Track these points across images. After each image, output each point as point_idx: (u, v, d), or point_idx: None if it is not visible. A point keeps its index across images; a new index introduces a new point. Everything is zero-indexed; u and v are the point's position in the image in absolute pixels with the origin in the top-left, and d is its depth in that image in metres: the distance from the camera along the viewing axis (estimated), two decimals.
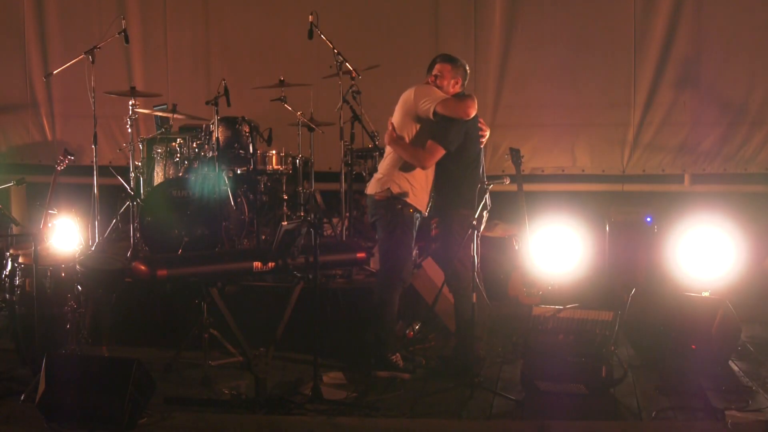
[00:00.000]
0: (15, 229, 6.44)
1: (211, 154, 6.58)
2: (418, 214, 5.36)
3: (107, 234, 7.21)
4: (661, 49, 7.82)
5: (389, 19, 8.21)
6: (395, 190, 5.28)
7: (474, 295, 5.13)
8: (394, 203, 5.28)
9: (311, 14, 6.77)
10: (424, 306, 6.20)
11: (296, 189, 7.26)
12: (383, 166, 5.43)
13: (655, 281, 6.42)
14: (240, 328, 4.86)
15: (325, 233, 6.72)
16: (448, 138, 5.23)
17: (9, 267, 5.32)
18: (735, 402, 4.78)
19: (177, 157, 6.82)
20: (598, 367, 4.88)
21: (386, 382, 5.20)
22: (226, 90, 6.41)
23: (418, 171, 5.30)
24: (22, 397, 4.71)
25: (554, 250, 6.37)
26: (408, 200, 5.29)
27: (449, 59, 5.40)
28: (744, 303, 6.08)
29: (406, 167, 5.30)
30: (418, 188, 5.32)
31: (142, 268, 4.58)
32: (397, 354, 5.41)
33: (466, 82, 5.45)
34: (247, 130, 6.78)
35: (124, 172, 7.15)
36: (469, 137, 5.34)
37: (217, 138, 6.51)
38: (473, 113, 5.27)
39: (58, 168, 6.27)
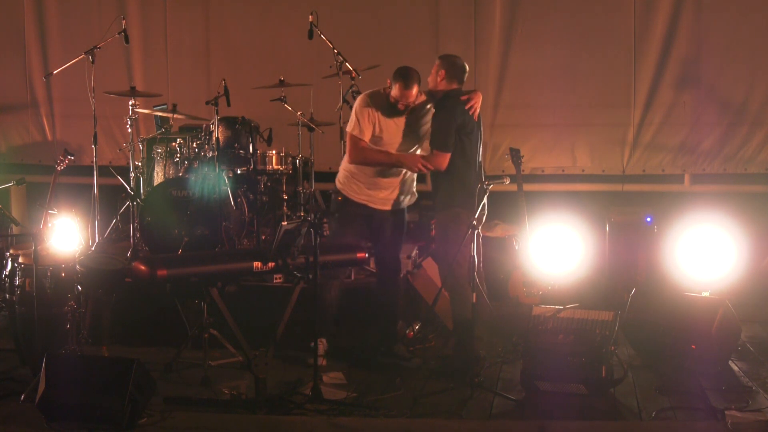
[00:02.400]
0: (15, 229, 6.44)
1: (211, 154, 6.58)
2: (370, 210, 5.46)
3: (107, 234, 7.21)
4: (661, 49, 7.82)
5: (389, 19, 8.21)
6: (337, 184, 5.58)
7: (474, 295, 5.14)
8: (337, 195, 5.58)
9: (311, 14, 6.78)
10: (424, 306, 6.20)
11: (296, 189, 7.26)
12: None
13: (655, 281, 6.42)
14: (240, 328, 4.86)
15: (325, 233, 6.71)
16: (443, 140, 5.33)
17: (9, 267, 5.32)
18: (735, 402, 4.78)
19: (177, 157, 6.82)
20: (598, 367, 4.88)
21: (385, 381, 5.20)
22: (226, 90, 6.42)
23: (361, 167, 5.45)
24: (22, 397, 4.71)
25: (554, 250, 6.36)
26: (347, 194, 5.49)
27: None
28: (744, 303, 6.09)
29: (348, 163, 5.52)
30: (360, 184, 5.46)
31: (142, 268, 4.58)
32: (322, 340, 5.49)
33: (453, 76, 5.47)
34: (247, 130, 6.78)
35: (124, 172, 7.15)
36: (466, 136, 5.37)
37: (217, 138, 6.51)
38: (351, 160, 5.46)
39: (58, 168, 6.27)
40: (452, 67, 5.46)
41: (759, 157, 7.85)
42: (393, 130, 5.39)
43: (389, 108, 5.35)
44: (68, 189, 7.01)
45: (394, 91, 5.28)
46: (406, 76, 5.28)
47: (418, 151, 5.52)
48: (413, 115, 5.43)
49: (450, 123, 5.33)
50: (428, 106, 5.47)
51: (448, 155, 5.32)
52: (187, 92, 8.24)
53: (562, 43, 7.96)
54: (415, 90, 5.27)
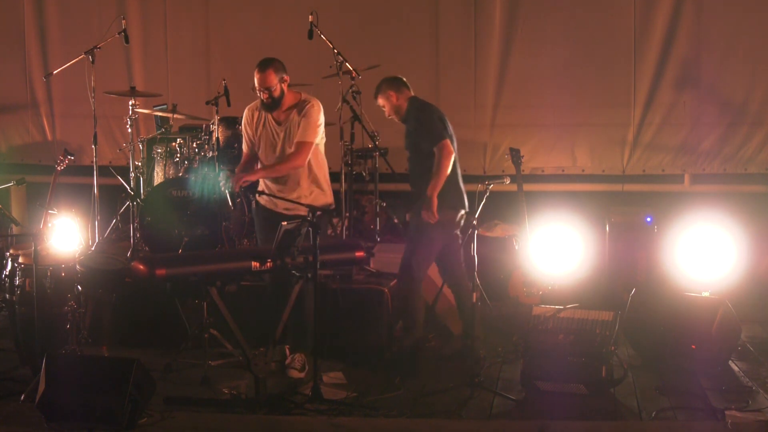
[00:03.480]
0: (15, 229, 6.44)
1: (211, 154, 6.58)
2: (276, 215, 5.41)
3: (107, 234, 7.21)
4: (661, 49, 7.82)
5: (389, 19, 8.21)
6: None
7: (474, 295, 5.15)
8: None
9: (311, 14, 6.77)
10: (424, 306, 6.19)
11: None
12: None
13: (655, 281, 6.42)
14: (240, 327, 4.86)
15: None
16: (437, 133, 5.41)
17: (9, 267, 5.33)
18: (735, 402, 4.78)
19: (177, 157, 6.82)
20: (598, 367, 4.88)
21: (385, 381, 5.20)
22: (226, 90, 6.42)
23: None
24: (22, 397, 4.71)
25: (554, 250, 6.36)
26: (258, 200, 5.55)
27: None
28: (744, 303, 6.09)
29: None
30: (266, 189, 5.50)
31: (141, 267, 4.58)
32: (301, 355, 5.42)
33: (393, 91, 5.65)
34: None
35: (124, 172, 7.15)
36: (451, 141, 5.45)
37: (217, 138, 6.52)
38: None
39: (58, 168, 6.28)
40: (392, 82, 5.66)
41: (759, 157, 7.85)
42: (269, 135, 5.43)
43: (264, 114, 5.43)
44: (68, 189, 7.01)
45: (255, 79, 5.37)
46: (260, 62, 5.42)
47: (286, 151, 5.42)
48: (284, 125, 5.42)
49: (431, 118, 5.46)
50: (302, 111, 5.43)
51: (448, 140, 5.41)
52: (187, 92, 8.24)
53: (562, 43, 7.96)
54: (269, 75, 5.32)
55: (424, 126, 5.46)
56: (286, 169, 5.36)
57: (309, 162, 5.42)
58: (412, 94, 5.66)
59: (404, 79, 5.69)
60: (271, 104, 5.39)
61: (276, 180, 5.44)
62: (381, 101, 5.67)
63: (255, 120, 5.50)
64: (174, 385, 5.12)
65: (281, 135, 5.40)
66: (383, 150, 7.12)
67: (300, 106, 5.42)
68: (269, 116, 5.45)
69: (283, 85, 5.38)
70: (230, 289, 4.96)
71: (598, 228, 7.02)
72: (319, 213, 5.06)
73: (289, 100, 5.43)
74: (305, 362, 5.37)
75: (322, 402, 4.75)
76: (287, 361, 5.35)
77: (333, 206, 5.60)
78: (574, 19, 7.94)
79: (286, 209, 5.39)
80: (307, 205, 5.12)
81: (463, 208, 5.51)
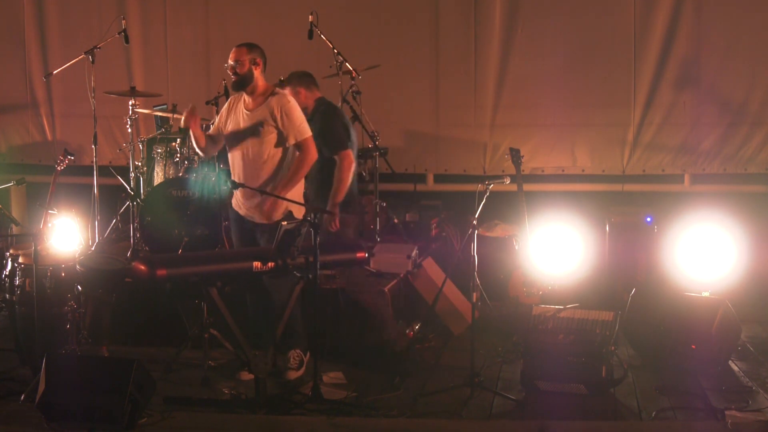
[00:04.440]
0: (15, 229, 6.44)
1: None
2: (241, 217, 5.36)
3: (107, 234, 7.21)
4: (661, 49, 7.82)
5: (389, 19, 8.21)
6: None
7: (474, 295, 5.15)
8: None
9: (311, 14, 6.78)
10: (424, 306, 6.20)
11: None
12: None
13: (655, 281, 6.42)
14: (240, 328, 4.86)
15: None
16: (340, 141, 5.55)
17: (9, 267, 5.33)
18: (735, 402, 4.78)
19: (177, 157, 6.81)
20: (598, 367, 4.89)
21: (385, 381, 5.20)
22: (226, 90, 6.43)
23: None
24: (22, 397, 4.71)
25: (554, 250, 6.36)
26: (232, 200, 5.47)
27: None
28: (744, 303, 6.09)
29: None
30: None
31: (142, 267, 4.57)
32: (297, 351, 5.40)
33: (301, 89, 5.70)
34: None
35: (124, 172, 7.15)
36: (352, 146, 5.57)
37: None
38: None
39: (58, 168, 6.27)
40: (303, 79, 5.69)
41: (759, 157, 7.85)
42: (237, 121, 5.33)
43: (240, 104, 5.34)
44: (68, 189, 7.02)
45: None
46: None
47: (250, 147, 5.25)
48: (254, 112, 5.27)
49: (335, 124, 5.56)
50: (280, 107, 5.24)
51: (350, 150, 5.55)
52: (187, 92, 8.22)
53: (562, 42, 7.95)
54: (242, 50, 5.21)
55: (328, 131, 5.52)
56: (301, 173, 5.25)
57: (276, 166, 5.23)
58: (320, 94, 5.70)
59: (314, 77, 5.73)
60: (237, 81, 5.25)
61: (244, 180, 5.23)
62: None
63: (229, 107, 5.40)
64: (174, 385, 5.12)
65: (248, 121, 5.25)
66: (383, 150, 7.12)
67: (273, 99, 5.24)
68: (242, 104, 5.32)
69: (254, 68, 5.21)
70: (225, 289, 4.96)
71: (598, 228, 7.02)
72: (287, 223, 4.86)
73: (260, 88, 5.29)
74: (302, 358, 5.36)
75: (322, 402, 4.76)
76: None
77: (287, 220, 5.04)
78: (574, 19, 7.94)
79: (245, 214, 5.33)
80: (310, 206, 5.12)
81: (358, 213, 5.62)
